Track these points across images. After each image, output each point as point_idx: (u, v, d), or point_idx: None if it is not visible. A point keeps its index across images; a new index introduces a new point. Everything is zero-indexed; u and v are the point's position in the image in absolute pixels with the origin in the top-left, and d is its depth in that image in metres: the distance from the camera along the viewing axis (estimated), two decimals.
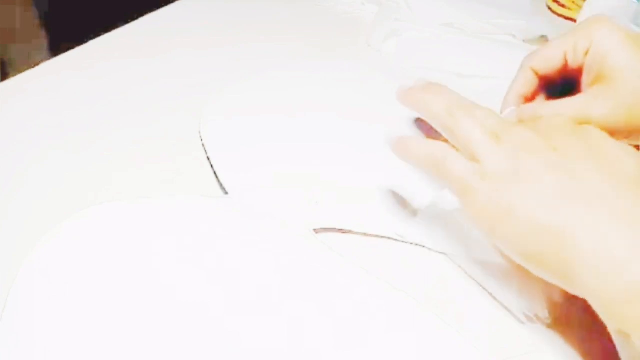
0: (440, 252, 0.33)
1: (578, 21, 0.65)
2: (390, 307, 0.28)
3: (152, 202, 0.32)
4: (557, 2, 0.70)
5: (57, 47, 0.91)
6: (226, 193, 0.35)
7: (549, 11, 0.70)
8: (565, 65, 0.33)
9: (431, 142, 0.30)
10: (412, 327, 0.28)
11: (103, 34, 0.52)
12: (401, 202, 0.36)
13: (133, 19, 0.55)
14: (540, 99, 0.35)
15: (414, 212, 0.35)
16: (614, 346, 0.25)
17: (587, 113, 0.30)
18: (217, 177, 0.36)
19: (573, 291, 0.25)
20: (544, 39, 0.60)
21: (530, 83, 0.35)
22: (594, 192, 0.25)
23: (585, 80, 0.33)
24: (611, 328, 0.24)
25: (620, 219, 0.24)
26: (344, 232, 0.34)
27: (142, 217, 0.31)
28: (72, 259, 0.28)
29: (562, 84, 0.35)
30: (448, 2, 0.61)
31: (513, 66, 0.36)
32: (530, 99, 0.35)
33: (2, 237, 0.31)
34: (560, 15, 0.69)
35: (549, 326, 0.30)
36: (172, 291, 0.27)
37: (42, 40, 0.97)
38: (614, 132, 0.30)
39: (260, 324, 0.26)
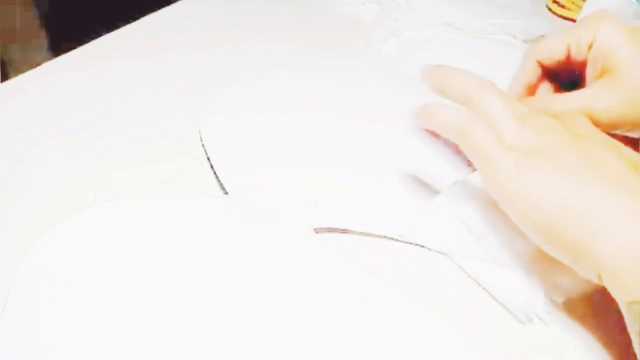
0: (440, 252, 0.33)
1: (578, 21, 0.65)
2: (390, 307, 0.28)
3: (152, 202, 0.32)
4: (557, 3, 0.70)
5: (57, 47, 0.91)
6: (226, 193, 0.35)
7: (548, 11, 0.70)
8: (568, 57, 0.34)
9: (457, 109, 0.30)
10: (412, 327, 0.28)
11: (104, 34, 0.52)
12: (401, 201, 0.36)
13: (134, 19, 0.55)
14: (545, 87, 0.36)
15: (415, 210, 0.35)
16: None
17: (594, 106, 0.31)
18: (217, 177, 0.36)
19: (582, 266, 0.26)
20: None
21: (534, 73, 0.35)
22: (614, 173, 0.26)
23: (589, 73, 0.33)
24: (623, 301, 0.24)
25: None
26: (344, 232, 0.34)
27: (142, 217, 0.31)
28: (72, 259, 0.28)
29: (565, 73, 0.35)
30: (448, 2, 0.61)
31: (513, 66, 0.36)
32: (535, 86, 0.36)
33: (2, 237, 0.31)
34: (560, 16, 0.69)
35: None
36: (172, 291, 0.27)
37: (42, 40, 0.96)
38: (619, 125, 0.31)
39: (260, 324, 0.26)
